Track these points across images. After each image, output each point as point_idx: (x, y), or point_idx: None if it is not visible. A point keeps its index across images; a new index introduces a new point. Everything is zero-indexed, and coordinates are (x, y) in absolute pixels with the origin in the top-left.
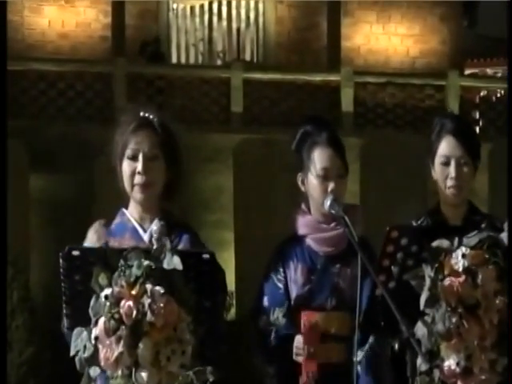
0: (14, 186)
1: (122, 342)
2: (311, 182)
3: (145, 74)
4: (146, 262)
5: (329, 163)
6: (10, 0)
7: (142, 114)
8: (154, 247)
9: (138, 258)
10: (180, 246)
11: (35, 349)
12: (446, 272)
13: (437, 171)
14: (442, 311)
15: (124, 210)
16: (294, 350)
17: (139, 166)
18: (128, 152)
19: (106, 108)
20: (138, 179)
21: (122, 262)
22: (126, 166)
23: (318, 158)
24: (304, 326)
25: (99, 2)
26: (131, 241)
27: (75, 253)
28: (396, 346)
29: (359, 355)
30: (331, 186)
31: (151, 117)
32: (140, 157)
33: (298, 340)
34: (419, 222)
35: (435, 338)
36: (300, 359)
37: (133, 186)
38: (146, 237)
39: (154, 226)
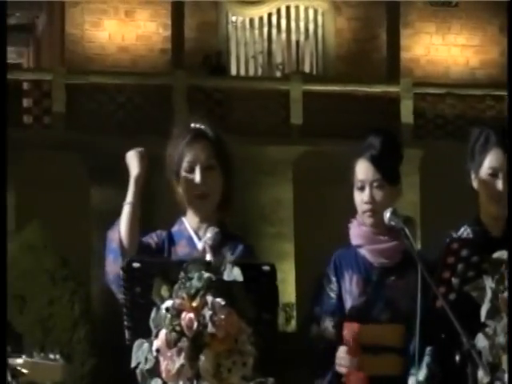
0: (76, 199)
1: (183, 354)
2: (354, 193)
3: (204, 87)
4: (206, 274)
5: (364, 175)
6: (69, 14)
7: (193, 125)
8: (208, 254)
9: (199, 270)
10: (234, 258)
11: (97, 361)
12: (507, 283)
13: (482, 183)
14: (504, 323)
15: (183, 218)
16: (337, 361)
17: (196, 176)
18: (184, 165)
19: (166, 121)
20: (195, 190)
21: (182, 274)
22: (184, 178)
23: (359, 169)
24: (347, 336)
25: (159, 16)
26: (186, 248)
27: (136, 265)
28: (457, 358)
29: (416, 368)
30: (365, 196)
31: (204, 128)
32: (197, 168)
33: (341, 350)
34: (460, 233)
35: (496, 350)
36: (342, 370)
37: (191, 196)
38: (200, 245)
39: (209, 234)
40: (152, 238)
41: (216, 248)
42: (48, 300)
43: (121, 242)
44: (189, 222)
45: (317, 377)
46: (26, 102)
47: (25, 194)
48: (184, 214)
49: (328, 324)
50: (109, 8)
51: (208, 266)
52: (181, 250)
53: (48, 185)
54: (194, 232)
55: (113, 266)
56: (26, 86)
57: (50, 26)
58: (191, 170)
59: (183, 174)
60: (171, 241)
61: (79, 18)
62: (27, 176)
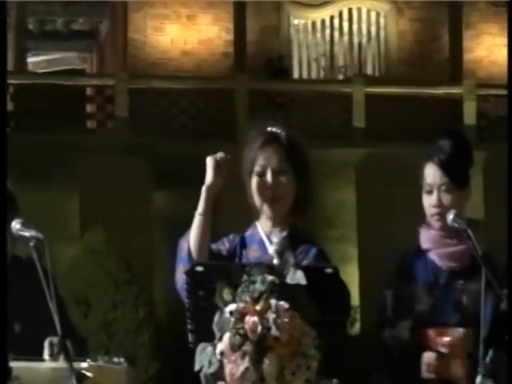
0: (139, 203)
1: (247, 358)
2: (423, 197)
3: (266, 90)
4: (269, 278)
5: (432, 179)
6: (132, 19)
7: (269, 129)
8: (275, 260)
9: (262, 273)
10: (306, 261)
11: (160, 365)
12: None
13: None
14: None
15: (256, 222)
16: (425, 367)
17: (268, 180)
18: (257, 168)
19: (228, 124)
20: (267, 193)
21: (245, 277)
22: (256, 182)
23: (427, 173)
24: (436, 342)
25: (221, 20)
26: (257, 252)
27: (199, 269)
28: None
29: (481, 370)
30: (433, 200)
31: (278, 131)
32: (268, 171)
33: (430, 357)
34: None
35: None
36: (430, 376)
37: (263, 200)
38: (271, 249)
39: (275, 239)
40: (223, 244)
41: (283, 253)
42: (112, 304)
43: (189, 252)
44: (261, 225)
45: (390, 378)
46: (89, 108)
47: (88, 199)
48: (257, 217)
49: (401, 327)
50: (171, 13)
51: (271, 270)
52: (252, 254)
53: (111, 189)
54: (265, 236)
55: (182, 275)
56: (89, 91)
57: (113, 32)
58: (263, 174)
59: (255, 177)
60: (243, 245)
61: (141, 23)
62: (91, 181)
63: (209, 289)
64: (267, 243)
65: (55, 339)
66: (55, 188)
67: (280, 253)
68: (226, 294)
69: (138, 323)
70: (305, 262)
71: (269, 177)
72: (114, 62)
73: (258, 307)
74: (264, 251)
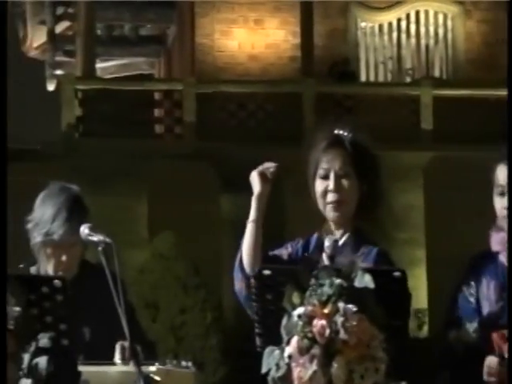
0: (206, 207)
1: (315, 361)
2: (495, 199)
3: (334, 94)
4: (337, 281)
5: (504, 180)
6: (199, 24)
7: (335, 131)
8: (326, 263)
9: (330, 276)
10: (366, 263)
11: (228, 369)
12: None
13: None
14: None
15: (321, 225)
16: (486, 370)
17: (331, 184)
18: (320, 171)
19: (295, 128)
20: (330, 197)
21: (313, 280)
22: (318, 185)
23: (499, 175)
24: (499, 347)
25: (288, 23)
26: (319, 255)
27: (266, 272)
28: None
29: None
30: (506, 202)
31: (342, 134)
32: (331, 175)
33: (492, 360)
34: None
35: None
36: (490, 379)
37: (325, 204)
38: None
39: (327, 243)
40: (286, 249)
41: (335, 257)
42: (180, 308)
43: (241, 260)
44: (325, 228)
45: (454, 379)
46: (157, 112)
47: (157, 204)
48: (322, 220)
49: (468, 328)
50: (238, 17)
51: (339, 273)
52: (314, 258)
53: (179, 194)
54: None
55: (236, 282)
56: (157, 96)
57: (181, 37)
58: (326, 177)
59: (318, 179)
60: (306, 248)
61: (209, 27)
62: (159, 185)
63: (277, 292)
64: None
65: (126, 343)
66: (124, 193)
67: (331, 257)
68: (295, 297)
69: (206, 327)
70: (364, 264)
71: (331, 180)
72: (182, 67)
73: (326, 310)
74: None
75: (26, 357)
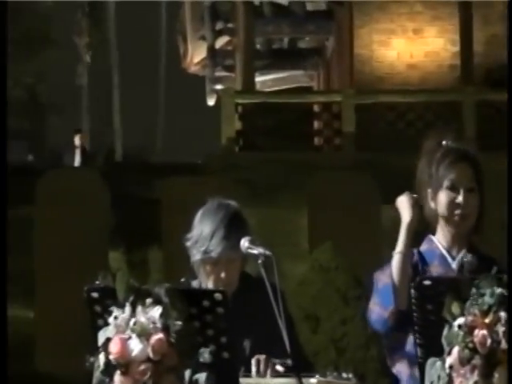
0: (366, 218)
1: (476, 372)
2: None
3: (494, 101)
4: (498, 290)
5: None
6: (358, 35)
7: (461, 147)
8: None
9: (491, 286)
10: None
11: (389, 380)
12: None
13: None
14: None
15: (431, 236)
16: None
17: (459, 198)
18: (446, 183)
19: (456, 138)
20: (457, 211)
21: (473, 290)
22: (445, 196)
23: None
24: None
25: (447, 31)
26: (439, 268)
27: (426, 282)
28: None
29: None
30: None
31: (470, 151)
32: (461, 189)
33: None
34: None
35: None
36: None
37: (451, 217)
38: (454, 265)
39: (465, 258)
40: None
41: (471, 273)
42: (341, 320)
43: (395, 289)
44: (439, 240)
45: None
46: (316, 124)
47: (316, 215)
48: (433, 232)
49: None
50: (397, 27)
51: (499, 282)
52: (435, 271)
53: (339, 205)
54: (446, 251)
55: (377, 306)
56: (316, 108)
57: (339, 48)
58: (454, 190)
59: (446, 192)
60: (423, 261)
61: (367, 38)
62: (319, 197)
63: (437, 302)
64: (449, 259)
65: (262, 357)
66: (283, 205)
67: (470, 273)
68: (454, 307)
69: (367, 338)
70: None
71: (461, 195)
72: (341, 79)
73: (487, 320)
74: (447, 267)
75: (188, 372)
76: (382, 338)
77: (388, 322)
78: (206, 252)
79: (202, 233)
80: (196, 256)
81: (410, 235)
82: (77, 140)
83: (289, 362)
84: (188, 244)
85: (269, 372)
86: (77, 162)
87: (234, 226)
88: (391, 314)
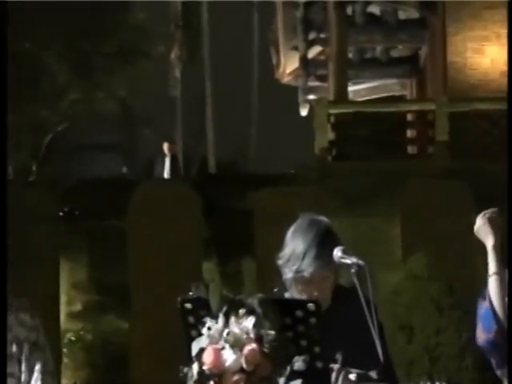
0: (459, 226)
1: None
2: None
3: None
4: None
5: None
6: (451, 42)
7: None
8: None
9: None
10: None
11: None
12: None
13: None
14: None
15: None
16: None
17: None
18: None
19: None
20: None
21: None
22: None
23: None
24: None
25: None
26: None
27: None
28: None
29: None
30: None
31: None
32: None
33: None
34: None
35: None
36: None
37: None
38: None
39: None
40: None
41: None
42: (435, 329)
43: (494, 312)
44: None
45: None
46: (409, 133)
47: (410, 224)
48: None
49: None
50: (491, 34)
51: None
52: None
53: (433, 214)
54: None
55: (482, 333)
56: (409, 117)
57: (432, 56)
58: None
59: None
60: None
61: (461, 45)
62: (412, 206)
63: None
64: None
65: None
66: (377, 214)
67: None
68: None
69: (461, 348)
70: None
71: None
72: (434, 87)
73: None
74: None
75: (282, 381)
76: (488, 354)
77: (495, 341)
78: (298, 271)
79: (294, 251)
80: (288, 274)
81: (499, 256)
82: (165, 148)
83: (373, 374)
84: (280, 262)
85: (340, 381)
86: (166, 171)
87: (326, 244)
88: (495, 333)
